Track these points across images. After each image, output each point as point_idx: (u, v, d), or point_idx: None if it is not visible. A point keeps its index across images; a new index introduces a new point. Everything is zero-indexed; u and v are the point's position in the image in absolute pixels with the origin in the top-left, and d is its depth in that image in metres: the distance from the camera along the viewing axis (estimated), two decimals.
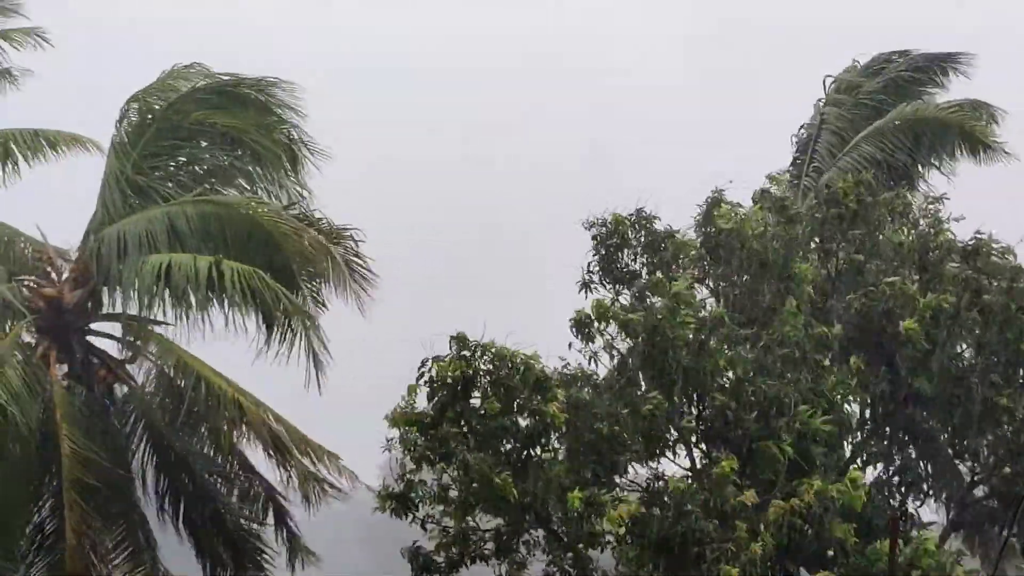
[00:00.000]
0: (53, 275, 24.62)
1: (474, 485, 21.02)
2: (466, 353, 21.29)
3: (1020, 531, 23.22)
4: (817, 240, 23.51)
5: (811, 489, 19.95)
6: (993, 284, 22.25)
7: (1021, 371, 22.30)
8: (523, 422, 21.37)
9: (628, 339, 21.82)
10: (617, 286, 23.35)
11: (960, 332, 22.27)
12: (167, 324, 23.89)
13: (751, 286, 22.73)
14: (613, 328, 22.08)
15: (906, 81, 29.39)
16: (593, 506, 20.53)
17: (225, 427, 23.42)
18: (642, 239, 23.29)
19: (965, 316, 22.07)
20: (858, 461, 22.69)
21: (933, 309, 21.82)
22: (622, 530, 20.18)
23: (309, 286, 24.54)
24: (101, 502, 23.52)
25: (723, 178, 23.86)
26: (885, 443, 22.65)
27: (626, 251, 23.48)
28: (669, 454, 21.73)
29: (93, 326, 24.79)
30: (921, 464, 22.83)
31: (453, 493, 21.63)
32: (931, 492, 22.90)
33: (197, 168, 25.76)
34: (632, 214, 23.30)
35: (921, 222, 23.54)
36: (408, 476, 21.85)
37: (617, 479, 21.69)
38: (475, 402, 21.48)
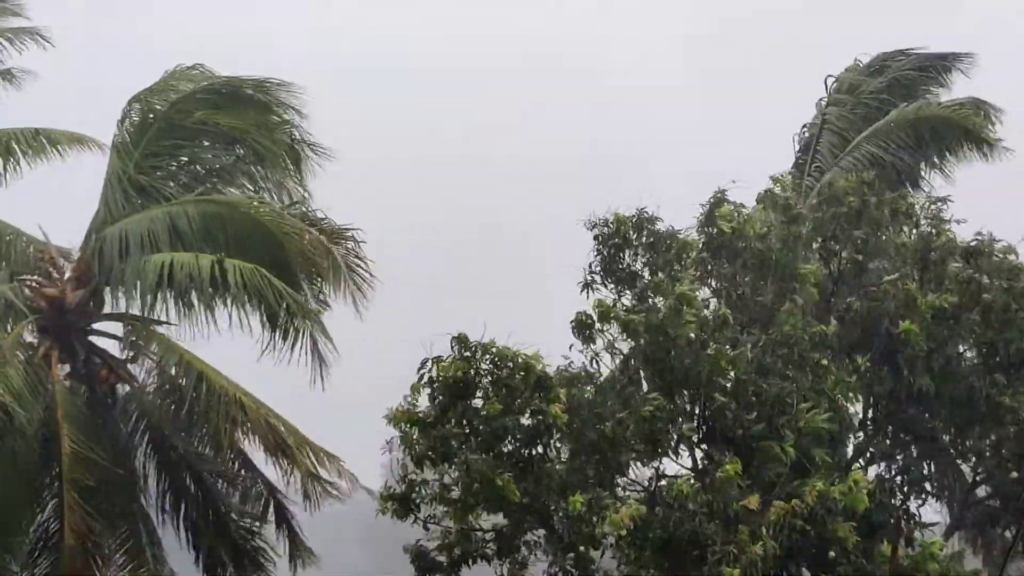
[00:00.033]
0: (55, 275, 24.62)
1: (475, 486, 21.02)
2: (467, 354, 21.28)
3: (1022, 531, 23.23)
4: (819, 240, 23.49)
5: (813, 490, 19.93)
6: (993, 283, 22.24)
7: None
8: (525, 422, 21.37)
9: (630, 340, 21.80)
10: (619, 286, 23.31)
11: (961, 332, 22.25)
12: (169, 324, 23.94)
13: (753, 286, 22.72)
14: (615, 329, 22.05)
15: (908, 81, 29.40)
16: (594, 509, 20.54)
17: (227, 426, 23.35)
18: (644, 239, 23.25)
19: (965, 316, 22.06)
20: (860, 461, 22.69)
21: (934, 309, 21.81)
22: (623, 532, 20.16)
23: (311, 286, 24.55)
24: (102, 502, 23.51)
25: (723, 178, 23.84)
26: (887, 443, 22.63)
27: (628, 251, 23.42)
28: (671, 454, 21.71)
29: (95, 326, 24.80)
30: (923, 464, 22.82)
31: (455, 493, 21.63)
32: (933, 492, 22.89)
33: (199, 168, 25.81)
34: (634, 215, 23.25)
35: (923, 222, 23.51)
36: (410, 477, 21.84)
37: (619, 479, 21.70)
38: (476, 402, 21.48)
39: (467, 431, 21.38)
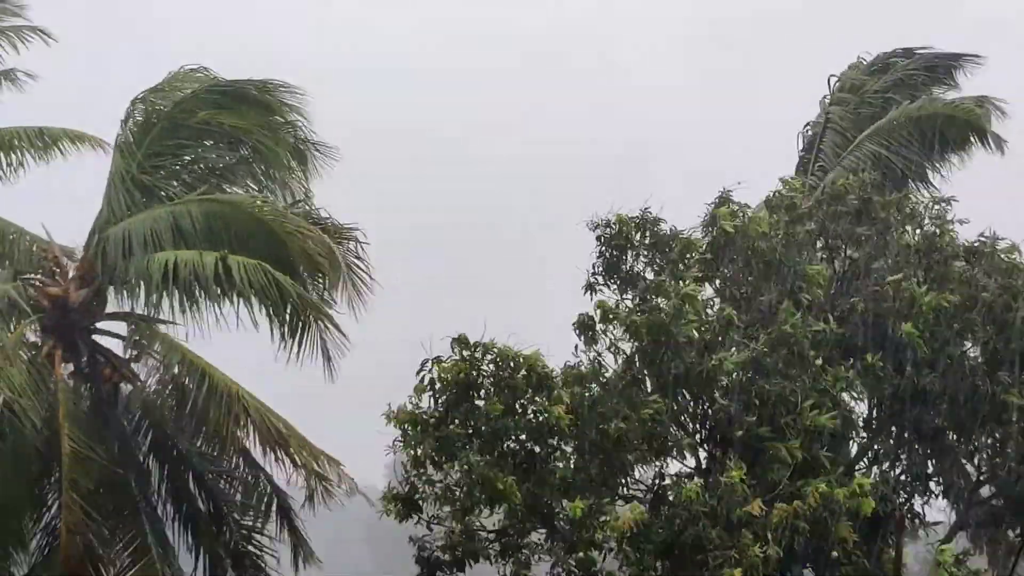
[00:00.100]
0: (59, 274, 24.62)
1: (478, 487, 21.03)
2: (467, 354, 21.29)
3: None
4: (823, 239, 23.53)
5: (816, 491, 19.94)
6: (993, 282, 22.28)
7: None
8: (527, 422, 21.38)
9: (632, 340, 21.82)
10: (622, 287, 23.32)
11: (963, 331, 22.28)
12: (173, 324, 23.96)
13: (755, 285, 22.75)
14: (618, 330, 22.07)
15: (914, 81, 29.42)
16: (594, 515, 20.57)
17: (230, 424, 23.36)
18: (647, 239, 23.26)
19: (965, 316, 22.09)
20: (864, 460, 22.72)
21: (935, 310, 21.84)
22: (625, 535, 20.20)
23: (314, 284, 24.57)
24: (105, 502, 23.52)
25: (723, 178, 23.88)
26: (891, 442, 22.66)
27: (630, 252, 23.42)
28: (674, 456, 21.74)
29: (99, 325, 24.78)
30: (928, 463, 22.83)
31: (458, 494, 21.64)
32: (937, 492, 22.90)
33: (202, 168, 25.81)
34: (637, 215, 23.26)
35: (927, 222, 23.55)
36: (412, 478, 21.85)
37: (623, 480, 21.72)
38: (479, 403, 21.50)
39: (469, 431, 21.40)
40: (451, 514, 21.85)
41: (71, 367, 24.33)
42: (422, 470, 21.80)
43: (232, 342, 24.36)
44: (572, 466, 21.56)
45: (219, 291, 23.15)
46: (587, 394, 21.53)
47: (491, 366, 21.46)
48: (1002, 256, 22.63)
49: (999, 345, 22.06)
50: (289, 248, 23.70)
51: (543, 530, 21.94)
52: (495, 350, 21.39)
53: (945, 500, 23.32)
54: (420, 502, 22.00)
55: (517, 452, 21.52)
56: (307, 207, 25.42)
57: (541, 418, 21.15)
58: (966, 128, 27.96)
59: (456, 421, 21.47)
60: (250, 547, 25.42)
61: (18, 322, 23.66)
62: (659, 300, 21.82)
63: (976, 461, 22.93)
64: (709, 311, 21.99)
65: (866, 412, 22.62)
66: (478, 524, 22.03)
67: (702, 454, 21.93)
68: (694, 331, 21.28)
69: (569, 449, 21.69)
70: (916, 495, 22.50)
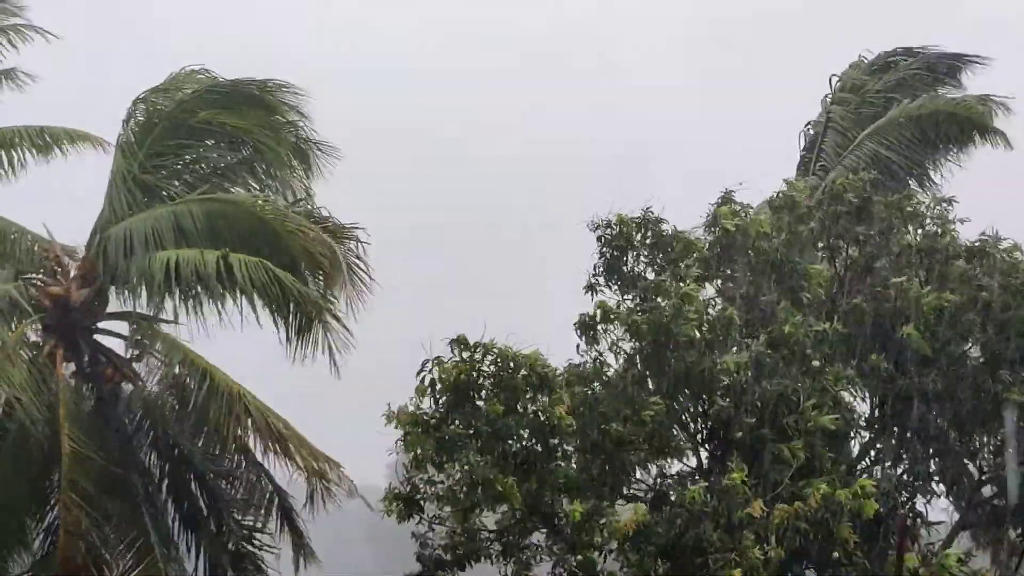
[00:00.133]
0: (60, 274, 24.62)
1: (479, 488, 21.03)
2: (466, 356, 21.28)
3: None
4: (824, 239, 23.54)
5: (817, 492, 19.94)
6: (993, 281, 22.29)
7: None
8: (528, 422, 21.37)
9: (633, 340, 21.82)
10: (623, 288, 23.31)
11: (963, 331, 22.29)
12: (174, 323, 23.98)
13: (755, 284, 22.75)
14: (619, 330, 22.06)
15: (915, 80, 29.41)
16: (594, 519, 20.57)
17: (231, 424, 23.36)
18: (648, 239, 23.24)
19: (965, 317, 22.09)
20: (866, 459, 22.72)
21: (935, 310, 21.84)
22: (626, 536, 20.21)
23: (315, 283, 24.56)
24: (105, 503, 23.53)
25: (723, 178, 23.87)
26: (893, 442, 22.65)
27: (631, 253, 23.41)
28: (675, 456, 21.74)
29: (100, 325, 24.80)
30: (930, 462, 22.83)
31: (460, 494, 21.64)
32: (939, 492, 22.90)
33: (204, 167, 25.84)
34: (640, 216, 23.25)
35: (928, 222, 23.55)
36: (415, 479, 21.85)
37: (625, 480, 21.71)
38: (479, 403, 21.48)
39: (470, 432, 21.39)
40: (452, 514, 21.84)
41: (73, 367, 24.35)
42: (423, 472, 21.79)
43: (232, 343, 24.40)
44: (574, 466, 21.56)
45: (221, 289, 23.16)
46: (589, 392, 21.53)
47: (492, 367, 21.42)
48: (1003, 256, 22.63)
49: (999, 344, 22.07)
50: (291, 247, 23.72)
51: (544, 530, 21.94)
52: (495, 351, 21.36)
53: (947, 500, 23.35)
54: (422, 502, 21.99)
55: (518, 452, 21.50)
56: (308, 206, 25.43)
57: (543, 418, 21.13)
58: (968, 125, 27.95)
59: (457, 422, 21.45)
60: (251, 547, 25.41)
61: (19, 322, 23.66)
62: (659, 299, 21.83)
63: (978, 461, 22.95)
64: (711, 311, 21.96)
65: (868, 412, 22.62)
66: (479, 524, 22.03)
67: (703, 454, 21.93)
68: (694, 331, 21.27)
69: (571, 449, 21.68)
70: (918, 495, 22.50)
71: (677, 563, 20.38)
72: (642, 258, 23.36)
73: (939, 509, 23.28)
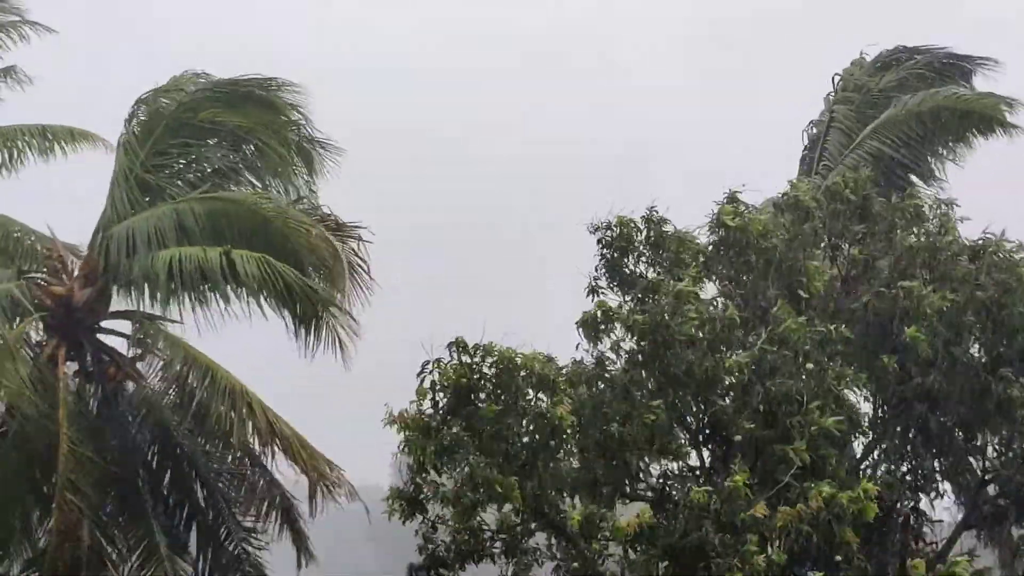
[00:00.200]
0: (63, 273, 24.61)
1: (480, 489, 21.03)
2: (466, 358, 21.25)
3: None
4: (826, 238, 23.53)
5: (819, 494, 19.91)
6: (992, 280, 22.29)
7: None
8: (529, 423, 21.36)
9: (634, 339, 21.81)
10: (624, 289, 23.28)
11: (964, 330, 22.29)
12: (176, 322, 23.99)
13: (755, 283, 22.74)
14: (620, 330, 22.06)
15: (918, 79, 29.39)
16: (593, 524, 20.58)
17: (234, 421, 23.36)
18: (651, 239, 23.21)
19: (965, 317, 22.09)
20: (870, 459, 22.71)
21: (938, 312, 21.83)
22: (628, 538, 20.21)
23: (318, 280, 24.57)
24: (109, 502, 23.51)
25: (723, 178, 23.84)
26: (896, 441, 22.65)
27: (632, 254, 23.39)
28: (677, 455, 21.73)
29: (103, 324, 24.77)
30: (933, 462, 22.83)
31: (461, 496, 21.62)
32: (943, 491, 22.88)
33: (206, 166, 25.84)
34: (643, 215, 23.22)
35: (930, 222, 23.54)
36: (417, 480, 21.84)
37: (627, 480, 21.70)
38: (480, 405, 21.47)
39: (471, 434, 21.38)
40: (453, 514, 21.84)
41: (76, 366, 24.34)
42: (425, 474, 21.78)
43: (232, 343, 24.42)
44: (575, 466, 21.55)
45: (224, 285, 23.17)
46: (592, 391, 21.51)
47: (492, 368, 21.40)
48: (1007, 255, 22.62)
49: (1000, 343, 22.07)
50: (293, 245, 23.71)
51: (546, 531, 21.95)
52: (495, 352, 21.32)
53: (951, 499, 23.35)
54: (424, 502, 22.00)
55: (519, 453, 21.48)
56: (310, 203, 25.45)
57: (545, 419, 21.11)
58: (970, 120, 27.92)
59: (458, 425, 21.43)
60: (251, 547, 25.41)
61: (22, 321, 23.64)
62: (658, 298, 21.81)
63: (981, 459, 22.95)
64: (712, 310, 21.94)
65: (871, 412, 22.61)
66: (480, 523, 22.01)
67: (705, 454, 21.91)
68: (694, 330, 21.25)
69: (573, 449, 21.66)
70: (922, 494, 22.49)
71: (679, 565, 20.36)
72: (643, 259, 23.35)
73: (942, 508, 23.33)
